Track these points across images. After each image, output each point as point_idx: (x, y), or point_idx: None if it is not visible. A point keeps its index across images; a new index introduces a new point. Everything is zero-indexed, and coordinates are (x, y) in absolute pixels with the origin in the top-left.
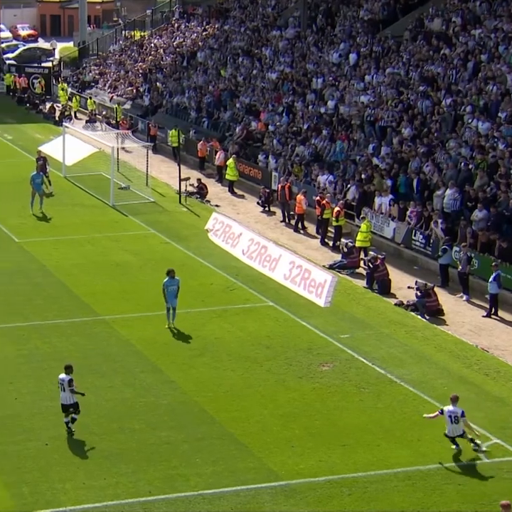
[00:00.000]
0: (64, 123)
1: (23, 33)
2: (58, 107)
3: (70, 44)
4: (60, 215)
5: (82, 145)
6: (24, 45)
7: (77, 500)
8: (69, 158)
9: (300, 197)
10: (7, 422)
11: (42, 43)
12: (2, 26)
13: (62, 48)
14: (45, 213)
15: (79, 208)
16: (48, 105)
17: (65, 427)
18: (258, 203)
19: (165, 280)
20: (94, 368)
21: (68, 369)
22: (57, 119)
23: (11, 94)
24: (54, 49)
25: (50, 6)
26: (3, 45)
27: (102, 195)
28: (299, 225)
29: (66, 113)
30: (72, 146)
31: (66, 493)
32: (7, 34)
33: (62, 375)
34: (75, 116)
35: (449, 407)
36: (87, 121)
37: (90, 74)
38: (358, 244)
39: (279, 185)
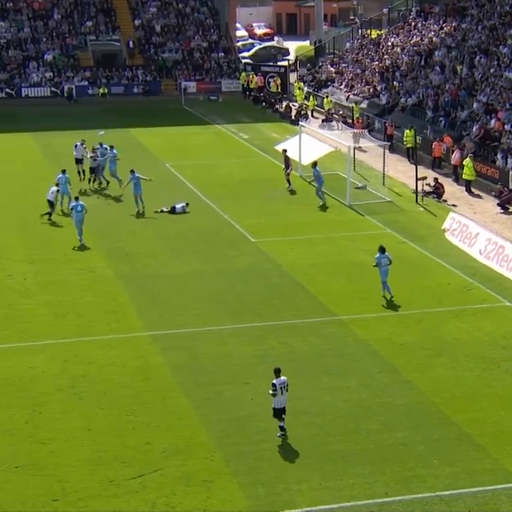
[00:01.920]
0: (300, 122)
1: (259, 31)
2: (294, 105)
3: (306, 43)
4: (296, 215)
5: (319, 144)
6: (260, 44)
7: (313, 502)
8: (305, 158)
9: None
10: (243, 423)
11: (278, 42)
12: (238, 25)
13: (298, 46)
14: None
15: (315, 208)
16: (284, 104)
17: (279, 431)
18: (498, 204)
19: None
20: (331, 368)
21: (280, 372)
22: (293, 118)
23: (246, 93)
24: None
25: (286, 4)
26: (239, 44)
27: (339, 194)
28: None
29: (302, 112)
30: (308, 145)
31: (302, 494)
32: (243, 33)
33: (280, 379)
34: (312, 115)
35: None
36: (323, 121)
37: (326, 73)
38: None
39: None
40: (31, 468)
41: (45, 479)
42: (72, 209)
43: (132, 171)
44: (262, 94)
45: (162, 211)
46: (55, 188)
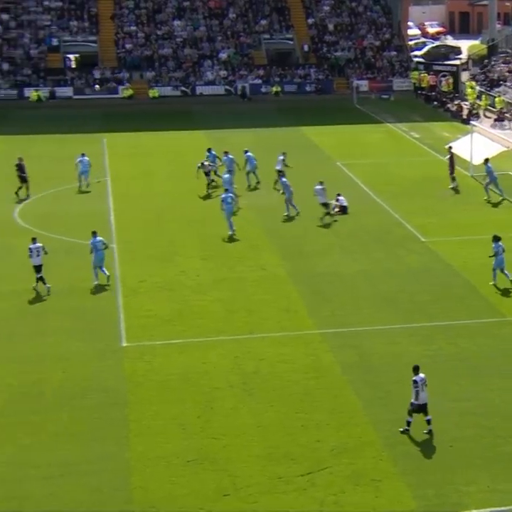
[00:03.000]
0: (471, 121)
1: (431, 30)
2: (466, 105)
3: (478, 41)
4: (465, 214)
5: (490, 144)
6: (432, 43)
7: (481, 504)
8: (477, 157)
9: None
10: (412, 423)
11: (450, 41)
12: (410, 23)
13: (471, 45)
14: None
15: (485, 207)
16: (456, 103)
17: (426, 426)
18: None
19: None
20: (500, 369)
21: (418, 369)
22: (464, 117)
23: (418, 92)
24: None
25: (458, 3)
26: (411, 43)
27: (510, 194)
28: None
29: (474, 111)
30: (479, 144)
31: (470, 496)
32: (415, 31)
33: (419, 376)
34: (484, 115)
35: None
36: (495, 120)
37: (499, 72)
38: None
39: None
40: (203, 462)
41: (216, 474)
42: (222, 201)
43: (280, 173)
44: (433, 93)
45: (334, 208)
46: (319, 187)
